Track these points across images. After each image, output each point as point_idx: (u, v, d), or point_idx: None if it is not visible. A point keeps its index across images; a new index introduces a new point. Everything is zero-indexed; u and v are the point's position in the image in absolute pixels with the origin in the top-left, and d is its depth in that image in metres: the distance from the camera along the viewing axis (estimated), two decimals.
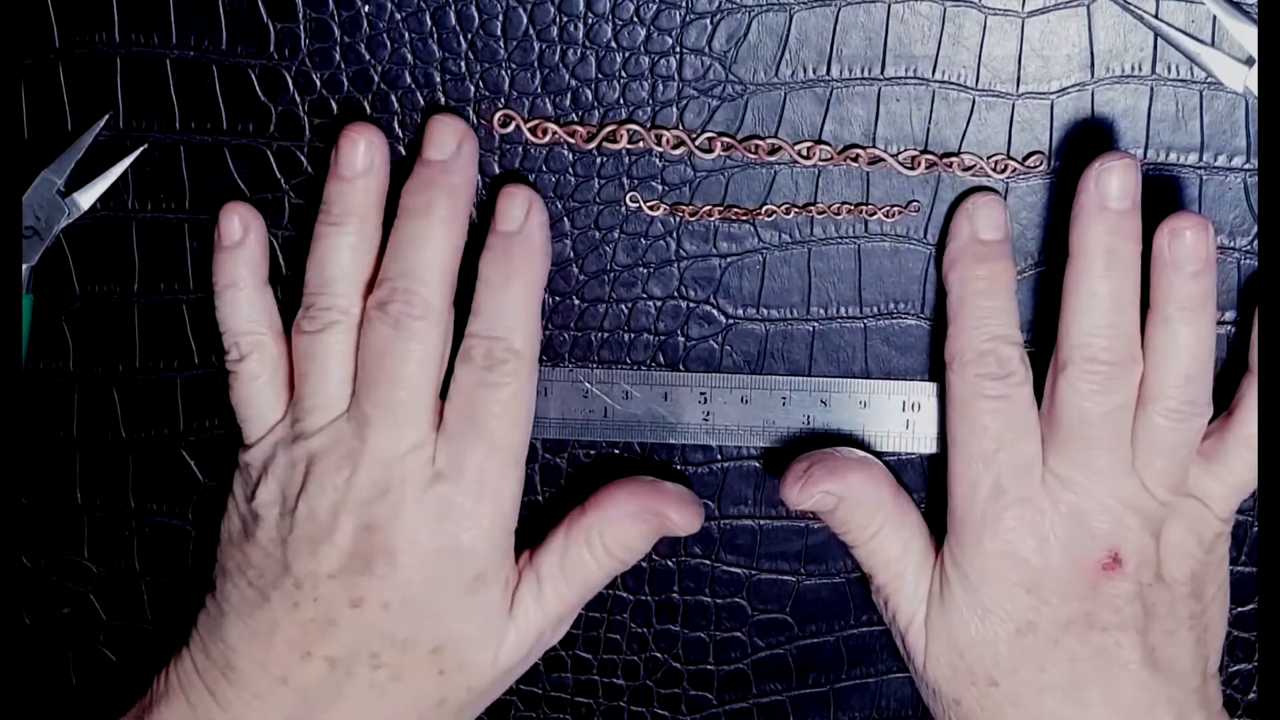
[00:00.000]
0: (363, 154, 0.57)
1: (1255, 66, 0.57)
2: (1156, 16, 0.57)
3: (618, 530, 0.58)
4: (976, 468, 0.57)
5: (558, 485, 0.62)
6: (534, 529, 0.61)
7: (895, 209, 0.59)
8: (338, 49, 0.59)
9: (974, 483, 0.57)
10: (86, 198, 0.60)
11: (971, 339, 0.57)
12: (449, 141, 0.58)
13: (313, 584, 0.56)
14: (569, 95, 0.59)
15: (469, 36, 0.59)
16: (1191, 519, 0.57)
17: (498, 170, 0.59)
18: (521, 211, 0.58)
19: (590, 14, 0.58)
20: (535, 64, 0.59)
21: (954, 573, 0.57)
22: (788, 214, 0.59)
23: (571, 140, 0.59)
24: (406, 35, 0.59)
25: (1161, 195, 0.59)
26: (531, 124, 0.59)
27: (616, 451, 0.61)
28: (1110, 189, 0.55)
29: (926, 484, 0.61)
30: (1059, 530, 0.56)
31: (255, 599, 0.56)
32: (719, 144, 0.59)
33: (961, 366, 0.57)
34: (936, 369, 0.60)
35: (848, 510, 0.58)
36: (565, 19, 0.58)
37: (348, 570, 0.56)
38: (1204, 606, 0.57)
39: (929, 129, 0.59)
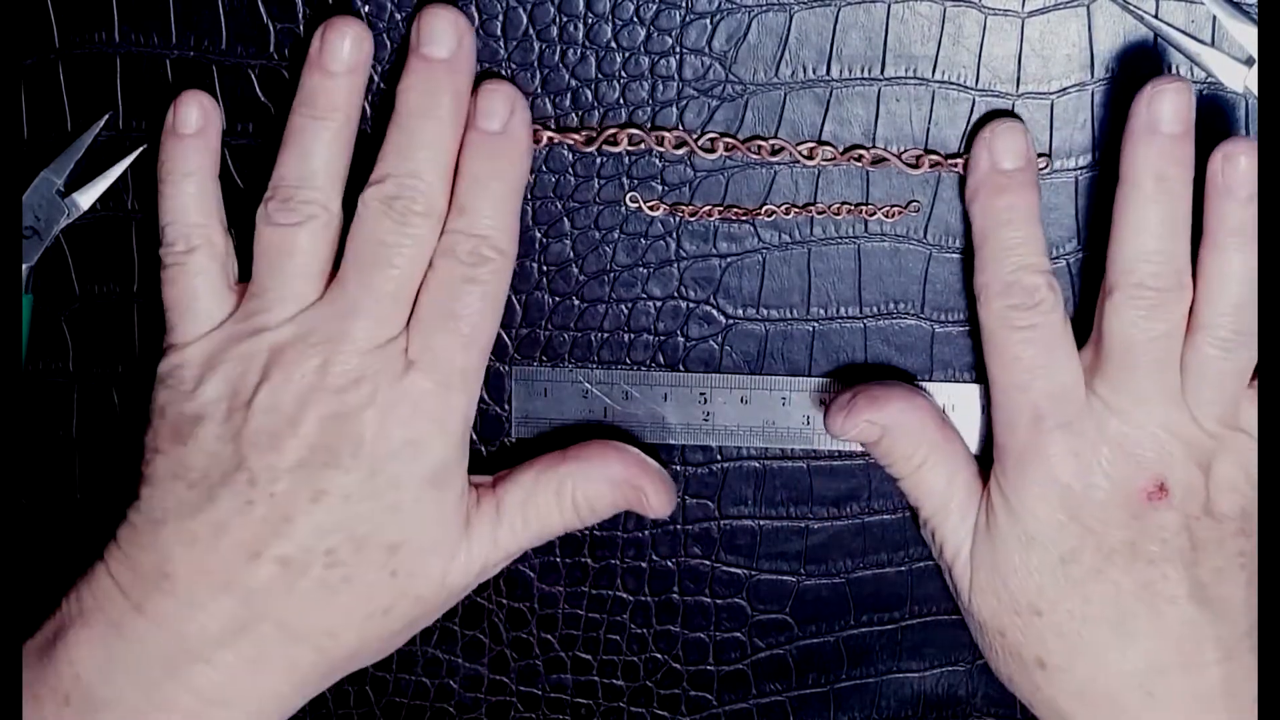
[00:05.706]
0: (349, 49, 0.56)
1: (1255, 66, 0.57)
2: (1156, 16, 0.57)
3: (591, 489, 0.58)
4: (1014, 397, 0.56)
5: None
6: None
7: (895, 209, 0.59)
8: None
9: (1013, 412, 0.56)
10: (86, 198, 0.59)
11: (996, 271, 0.56)
12: (449, 36, 0.56)
13: (270, 478, 0.55)
14: (569, 95, 0.59)
15: None
16: (1241, 454, 0.56)
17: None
18: (506, 110, 0.57)
19: (590, 14, 0.58)
20: (535, 64, 0.59)
21: (999, 501, 0.57)
22: (788, 214, 0.59)
23: (571, 143, 0.59)
24: None
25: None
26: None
27: None
28: (1162, 113, 0.55)
29: None
30: (1103, 456, 0.55)
31: (196, 502, 0.55)
32: (721, 144, 0.59)
33: (989, 300, 0.57)
34: (936, 369, 0.60)
35: (892, 440, 0.58)
36: (565, 19, 0.58)
37: (310, 463, 0.55)
38: (1254, 546, 0.56)
39: (929, 129, 0.59)
